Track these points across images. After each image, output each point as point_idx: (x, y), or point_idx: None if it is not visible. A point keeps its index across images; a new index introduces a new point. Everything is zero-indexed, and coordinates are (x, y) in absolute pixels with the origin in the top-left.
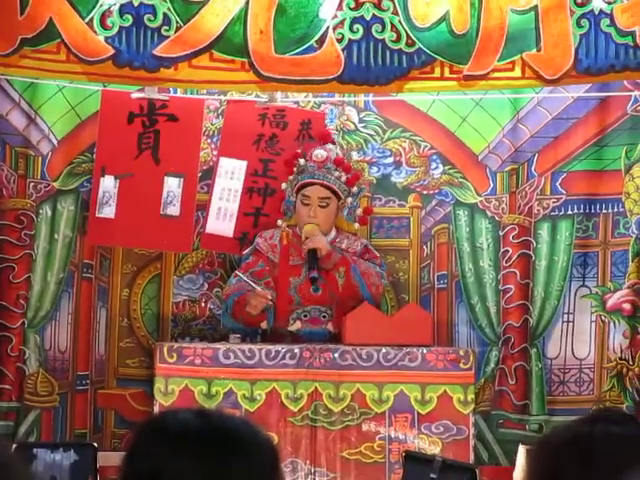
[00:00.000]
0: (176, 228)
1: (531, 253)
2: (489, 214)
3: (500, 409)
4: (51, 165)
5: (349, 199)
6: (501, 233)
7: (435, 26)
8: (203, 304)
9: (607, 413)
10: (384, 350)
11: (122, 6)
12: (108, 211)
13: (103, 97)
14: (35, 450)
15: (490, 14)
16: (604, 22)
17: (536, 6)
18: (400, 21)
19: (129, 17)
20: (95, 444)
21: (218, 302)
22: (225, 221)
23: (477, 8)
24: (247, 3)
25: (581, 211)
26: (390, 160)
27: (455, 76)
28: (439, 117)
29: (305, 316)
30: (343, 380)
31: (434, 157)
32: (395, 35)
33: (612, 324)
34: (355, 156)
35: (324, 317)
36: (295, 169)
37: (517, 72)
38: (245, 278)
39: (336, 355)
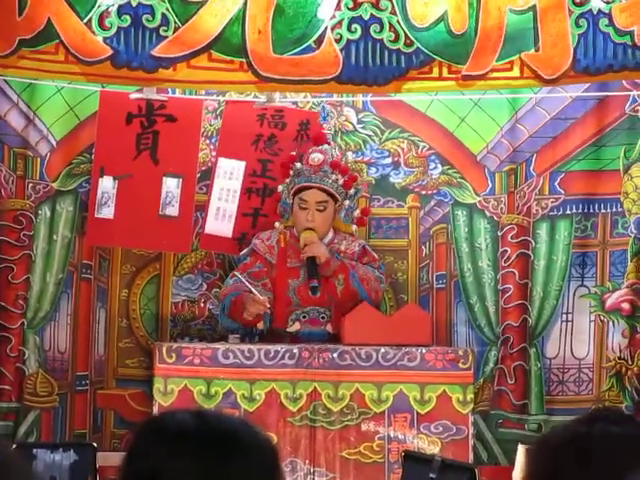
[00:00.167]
0: (175, 229)
1: (530, 253)
2: (488, 214)
3: (499, 409)
4: (50, 166)
5: (346, 202)
6: (500, 233)
7: (433, 26)
8: (202, 304)
9: (606, 413)
10: (383, 350)
11: (120, 7)
12: (107, 212)
13: (101, 98)
14: (35, 450)
15: (488, 14)
16: (602, 22)
17: (534, 6)
18: (398, 21)
19: (127, 17)
20: (95, 444)
21: (217, 302)
22: (224, 221)
23: (475, 8)
24: (245, 3)
25: (580, 211)
26: (389, 161)
27: (453, 76)
28: (438, 117)
29: (304, 317)
30: (342, 380)
31: (433, 157)
32: (393, 35)
33: (611, 324)
34: (351, 157)
35: (323, 318)
36: (291, 172)
37: (515, 72)
38: (243, 279)
39: (335, 355)
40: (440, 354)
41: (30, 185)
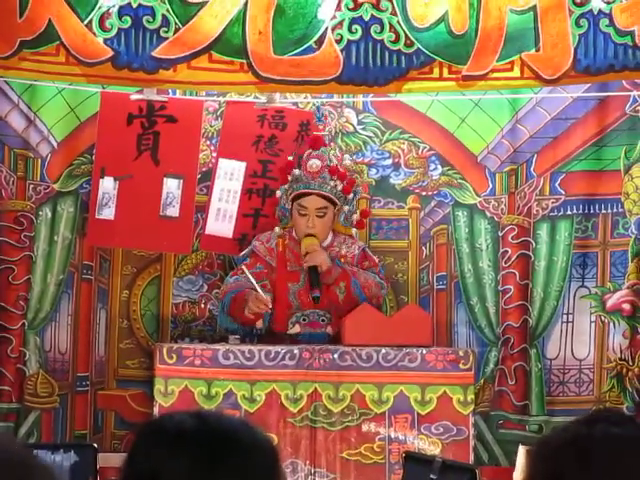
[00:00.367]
0: (175, 229)
1: (530, 254)
2: (488, 215)
3: (500, 409)
4: (50, 167)
5: (345, 207)
6: (500, 234)
7: (434, 26)
8: (203, 305)
9: (607, 414)
10: (384, 351)
11: (121, 8)
12: (108, 212)
13: (102, 99)
14: (35, 451)
15: (489, 14)
16: (603, 22)
17: (535, 6)
18: (399, 21)
19: (128, 19)
20: (95, 445)
21: (217, 303)
22: (224, 222)
23: (476, 8)
24: (246, 4)
25: (580, 211)
26: (389, 162)
27: (454, 76)
28: (438, 118)
29: (304, 320)
30: (343, 381)
31: (433, 158)
32: (394, 35)
33: (612, 324)
34: (348, 159)
35: (323, 321)
36: (289, 177)
37: (516, 72)
38: (248, 274)
39: (336, 356)
40: (441, 355)
41: (31, 186)
